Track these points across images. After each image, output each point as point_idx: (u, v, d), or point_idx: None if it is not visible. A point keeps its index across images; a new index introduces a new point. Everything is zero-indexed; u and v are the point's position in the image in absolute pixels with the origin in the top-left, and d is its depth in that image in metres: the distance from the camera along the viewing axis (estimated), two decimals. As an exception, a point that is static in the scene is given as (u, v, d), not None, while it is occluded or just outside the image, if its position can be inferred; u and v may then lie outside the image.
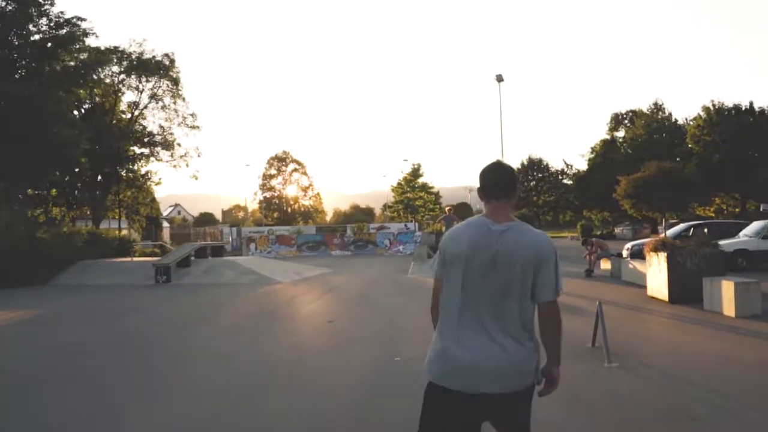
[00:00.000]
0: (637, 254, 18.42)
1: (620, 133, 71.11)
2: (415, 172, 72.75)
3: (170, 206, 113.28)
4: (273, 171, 78.55)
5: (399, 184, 73.26)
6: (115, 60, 30.73)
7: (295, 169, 79.55)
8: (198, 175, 34.61)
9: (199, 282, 19.63)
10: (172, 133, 33.65)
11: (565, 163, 79.24)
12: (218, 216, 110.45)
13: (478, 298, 2.62)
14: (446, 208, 25.79)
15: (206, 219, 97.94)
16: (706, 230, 20.87)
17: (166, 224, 63.24)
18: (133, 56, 31.72)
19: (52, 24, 24.34)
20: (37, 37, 24.03)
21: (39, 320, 12.71)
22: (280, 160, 78.79)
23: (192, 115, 34.18)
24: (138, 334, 10.36)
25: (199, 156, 35.21)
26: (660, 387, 5.98)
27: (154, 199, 49.55)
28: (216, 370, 7.30)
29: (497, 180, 2.78)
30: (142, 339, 9.86)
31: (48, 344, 9.55)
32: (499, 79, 35.51)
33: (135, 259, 24.16)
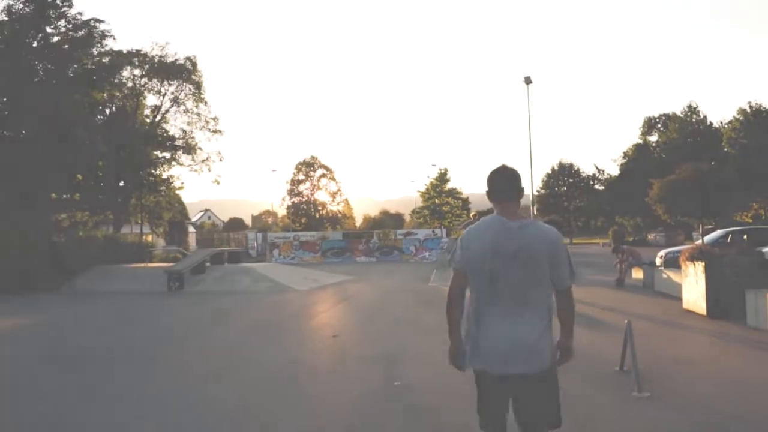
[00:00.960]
0: (672, 263, 17.16)
1: (653, 137, 69.26)
2: (442, 177, 71.66)
3: (201, 211, 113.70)
4: (301, 176, 78.02)
5: (426, 189, 72.31)
6: (136, 63, 30.43)
7: (324, 175, 78.95)
8: (220, 179, 34.04)
9: (211, 289, 19.03)
10: (193, 137, 33.29)
11: (597, 168, 77.23)
12: (248, 221, 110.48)
13: (503, 289, 2.94)
14: (472, 215, 25.03)
15: (236, 224, 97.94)
16: (745, 237, 19.63)
17: (192, 229, 63.11)
18: (155, 60, 31.42)
19: (69, 26, 24.05)
20: (55, 39, 23.73)
21: (29, 329, 12.15)
22: (308, 166, 78.24)
23: (214, 119, 33.77)
24: (125, 347, 9.67)
25: (221, 160, 34.73)
26: (698, 423, 5.06)
27: (181, 204, 49.42)
28: (197, 392, 6.54)
29: (504, 183, 3.09)
30: (127, 352, 9.17)
31: (21, 353, 8.95)
32: (528, 81, 34.47)
33: (152, 264, 23.70)
